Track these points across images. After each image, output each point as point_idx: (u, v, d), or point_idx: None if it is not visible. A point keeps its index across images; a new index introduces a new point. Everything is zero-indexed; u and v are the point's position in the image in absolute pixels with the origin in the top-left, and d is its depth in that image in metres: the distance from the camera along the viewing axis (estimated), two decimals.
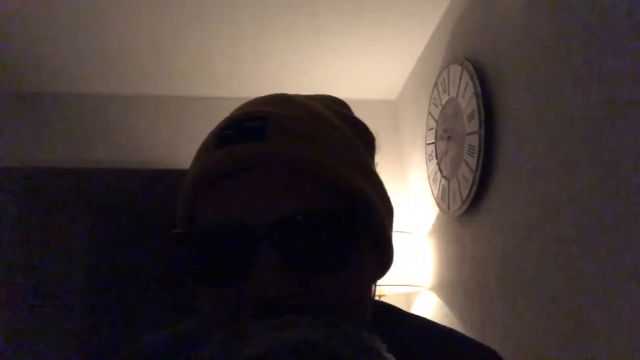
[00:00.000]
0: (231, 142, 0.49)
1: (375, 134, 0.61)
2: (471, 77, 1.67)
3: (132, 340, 0.63)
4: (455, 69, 1.80)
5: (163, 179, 3.33)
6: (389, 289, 2.15)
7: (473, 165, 1.63)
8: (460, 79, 1.75)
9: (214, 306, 0.49)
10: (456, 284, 1.85)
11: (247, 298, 0.46)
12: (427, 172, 2.09)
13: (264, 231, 0.46)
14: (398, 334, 0.47)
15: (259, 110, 0.51)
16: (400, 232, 2.21)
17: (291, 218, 0.46)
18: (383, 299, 2.11)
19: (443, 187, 1.90)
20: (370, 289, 0.53)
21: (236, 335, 0.42)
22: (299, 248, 0.46)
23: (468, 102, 1.69)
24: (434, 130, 2.01)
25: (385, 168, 3.11)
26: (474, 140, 1.63)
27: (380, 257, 0.55)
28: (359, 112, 0.61)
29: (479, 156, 1.60)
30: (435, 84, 2.00)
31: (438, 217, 2.05)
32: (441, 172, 1.92)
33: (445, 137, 1.90)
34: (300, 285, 0.46)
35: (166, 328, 0.65)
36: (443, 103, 1.92)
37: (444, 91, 1.91)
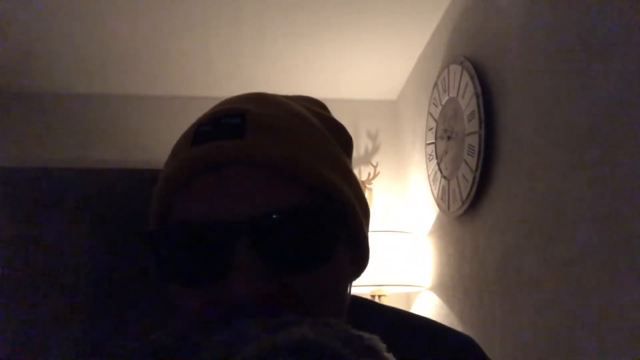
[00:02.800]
0: (208, 139, 0.48)
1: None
2: (471, 77, 1.67)
3: (132, 340, 0.63)
4: (455, 69, 1.80)
5: None
6: (389, 289, 2.15)
7: (473, 165, 1.63)
8: (460, 79, 1.75)
9: (188, 306, 0.48)
10: (456, 284, 1.85)
11: (224, 298, 0.45)
12: (427, 172, 2.09)
13: (240, 229, 0.45)
14: (373, 325, 0.47)
15: (237, 107, 0.51)
16: (400, 232, 2.21)
17: (268, 216, 0.45)
18: (383, 299, 2.12)
19: (443, 187, 1.90)
20: (346, 288, 0.53)
21: (236, 335, 0.42)
22: (275, 246, 0.46)
23: (468, 102, 1.69)
24: (434, 130, 2.01)
25: (385, 168, 3.12)
26: (474, 140, 1.63)
27: (356, 256, 0.55)
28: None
29: (479, 156, 1.60)
30: (435, 84, 2.00)
31: (438, 217, 2.05)
32: (441, 172, 1.92)
33: (445, 137, 1.90)
34: (276, 283, 0.45)
35: (165, 328, 0.64)
36: (443, 103, 1.92)
37: (444, 91, 1.91)
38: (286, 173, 0.47)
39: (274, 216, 0.46)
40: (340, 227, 0.51)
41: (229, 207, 0.46)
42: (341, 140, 0.57)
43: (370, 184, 2.51)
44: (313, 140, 0.51)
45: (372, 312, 0.62)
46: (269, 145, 0.47)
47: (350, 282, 0.55)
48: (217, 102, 0.56)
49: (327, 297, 0.48)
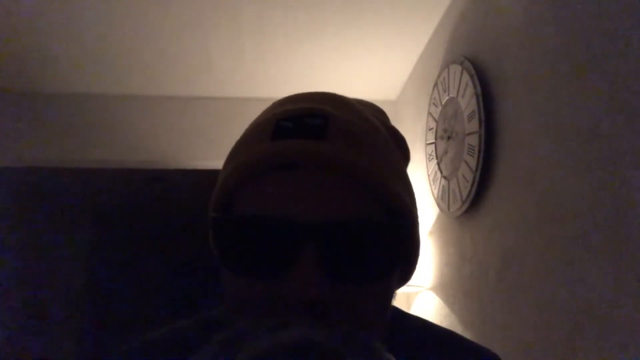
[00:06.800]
0: (290, 136, 0.48)
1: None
2: (471, 77, 1.67)
3: (132, 339, 0.62)
4: (455, 68, 1.80)
5: (163, 179, 3.33)
6: None
7: (473, 165, 1.63)
8: (460, 79, 1.75)
9: (244, 296, 0.48)
10: (456, 284, 1.85)
11: (285, 296, 0.45)
12: (427, 172, 2.09)
13: (310, 231, 0.45)
14: (399, 334, 0.47)
15: (318, 107, 0.51)
16: None
17: (339, 223, 0.46)
18: None
19: (443, 187, 1.90)
20: (392, 300, 0.53)
21: (235, 335, 0.42)
22: (341, 255, 0.46)
23: (468, 102, 1.69)
24: (434, 130, 2.01)
25: None
26: (474, 140, 1.63)
27: (406, 270, 0.56)
28: None
29: (479, 156, 1.60)
30: (435, 84, 2.00)
31: (438, 217, 2.05)
32: (441, 172, 1.92)
33: (445, 137, 1.90)
34: (334, 291, 0.46)
35: (166, 325, 0.64)
36: (443, 103, 1.92)
37: (444, 91, 1.91)
38: (360, 182, 0.47)
39: (345, 224, 0.46)
40: (404, 245, 0.51)
41: (302, 207, 0.46)
42: (402, 150, 0.57)
43: None
44: (384, 152, 0.51)
45: (399, 321, 0.61)
46: (348, 152, 0.47)
47: (395, 293, 0.55)
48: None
49: (376, 309, 0.49)
